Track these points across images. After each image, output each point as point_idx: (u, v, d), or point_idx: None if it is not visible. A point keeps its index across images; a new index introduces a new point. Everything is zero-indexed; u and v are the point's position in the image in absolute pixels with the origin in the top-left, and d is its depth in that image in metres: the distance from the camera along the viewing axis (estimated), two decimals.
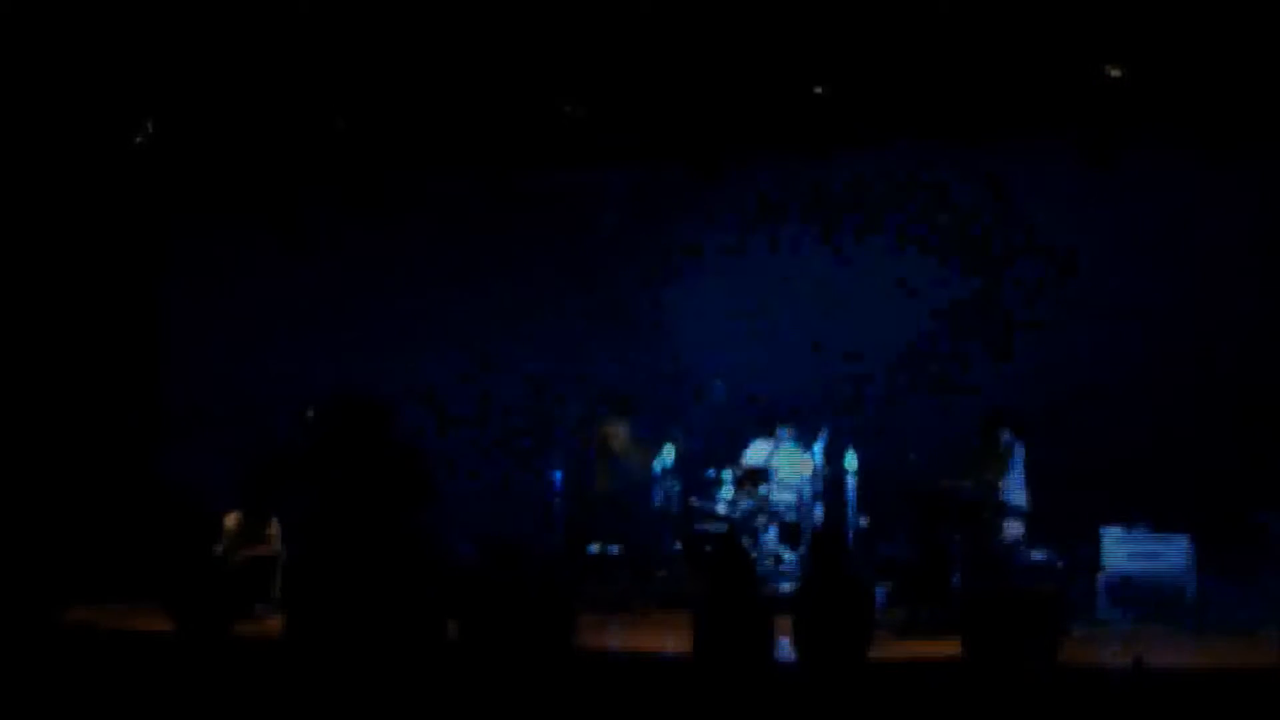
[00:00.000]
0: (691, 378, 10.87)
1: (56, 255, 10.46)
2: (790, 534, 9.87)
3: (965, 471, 9.16)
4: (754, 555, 9.44)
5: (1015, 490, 9.16)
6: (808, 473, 9.80)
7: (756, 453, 10.26)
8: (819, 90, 9.43)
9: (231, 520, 9.53)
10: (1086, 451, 9.68)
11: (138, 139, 9.95)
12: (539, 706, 7.03)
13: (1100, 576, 8.76)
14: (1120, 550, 8.81)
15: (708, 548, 9.70)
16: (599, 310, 11.22)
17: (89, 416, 10.50)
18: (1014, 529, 9.05)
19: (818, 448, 9.77)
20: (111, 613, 8.38)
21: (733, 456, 10.21)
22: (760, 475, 9.98)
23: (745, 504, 9.90)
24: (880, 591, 8.66)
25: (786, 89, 9.52)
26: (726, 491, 9.95)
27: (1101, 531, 8.86)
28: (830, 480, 9.69)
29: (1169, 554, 8.75)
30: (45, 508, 9.68)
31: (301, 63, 9.32)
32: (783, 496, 10.00)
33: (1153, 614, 8.57)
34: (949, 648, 7.71)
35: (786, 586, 9.18)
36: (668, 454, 9.92)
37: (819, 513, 9.77)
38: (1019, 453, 9.22)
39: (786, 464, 10.09)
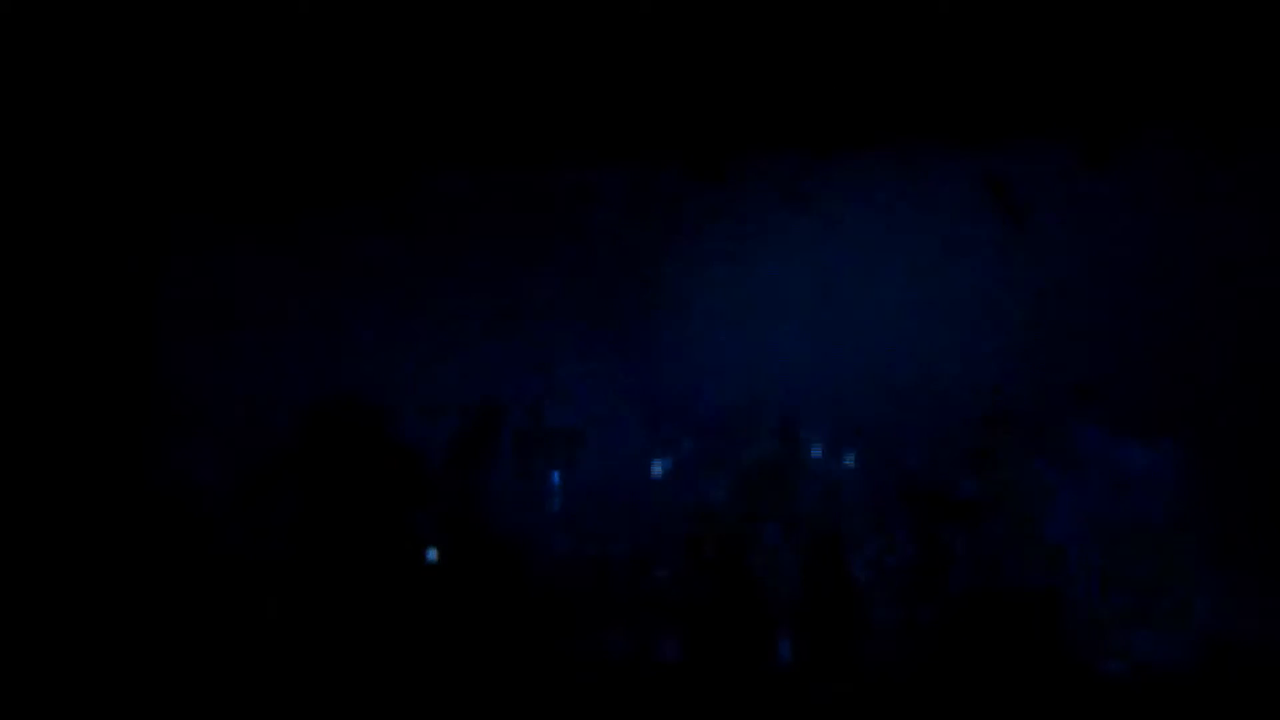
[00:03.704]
0: (692, 378, 10.87)
1: (54, 254, 10.45)
2: (790, 534, 9.87)
3: (967, 472, 9.17)
4: (754, 555, 9.44)
5: (1018, 492, 9.17)
6: (808, 473, 9.81)
7: (756, 452, 10.25)
8: (819, 90, 9.42)
9: None
10: (1088, 451, 9.69)
11: (138, 138, 9.95)
12: (539, 706, 7.04)
13: (1100, 576, 8.76)
14: (1116, 548, 8.82)
15: (708, 548, 9.69)
16: (599, 310, 11.22)
17: (85, 416, 10.49)
18: (1015, 530, 9.06)
19: (818, 448, 9.77)
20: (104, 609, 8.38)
21: (733, 457, 10.21)
22: (759, 475, 9.98)
23: (745, 504, 9.90)
24: (879, 592, 8.66)
25: (786, 89, 9.51)
26: (726, 491, 9.95)
27: (1100, 530, 8.87)
28: (830, 480, 9.70)
29: (1169, 552, 8.76)
30: (40, 506, 9.68)
31: (301, 62, 9.32)
32: (783, 497, 10.00)
33: (1153, 614, 8.58)
34: (949, 648, 7.73)
35: (786, 587, 9.18)
36: (667, 455, 9.93)
37: (819, 513, 9.77)
38: (1021, 457, 9.23)
39: (787, 464, 10.08)
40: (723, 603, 8.18)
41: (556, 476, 10.08)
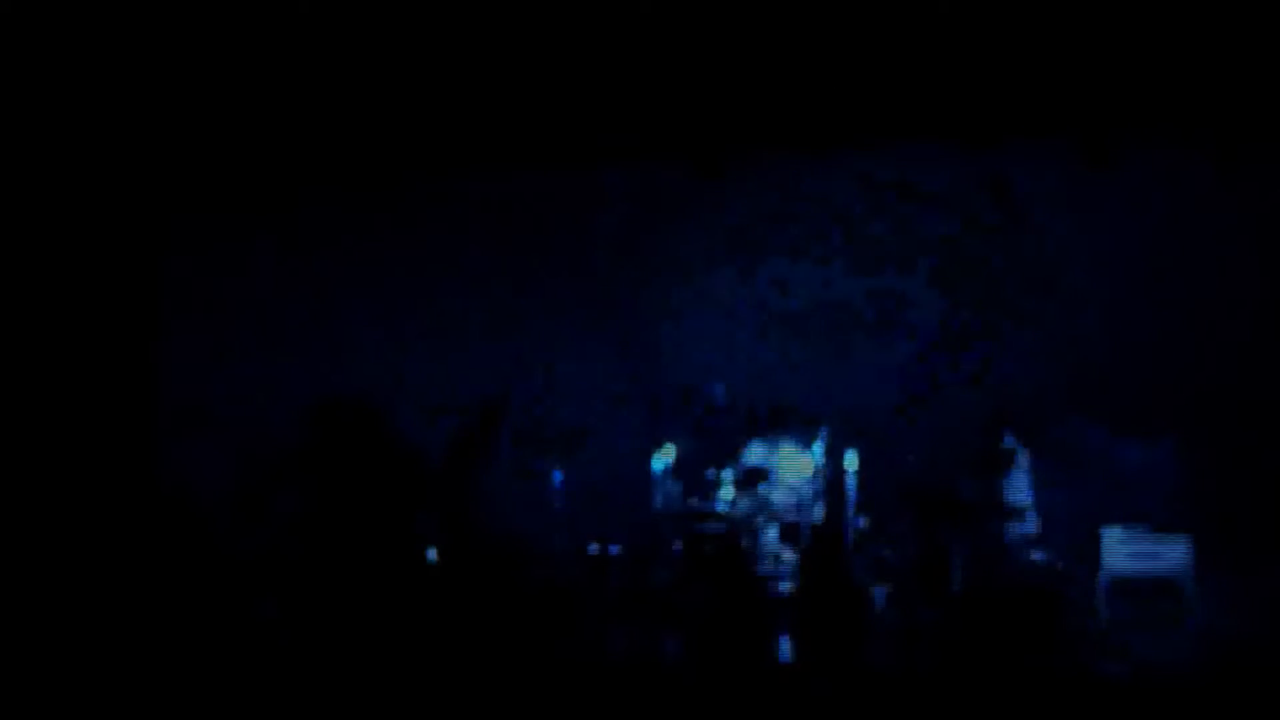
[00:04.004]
0: (692, 378, 10.86)
1: (56, 254, 10.46)
2: (790, 534, 9.86)
3: (967, 472, 9.17)
4: (754, 555, 9.44)
5: (1018, 492, 9.18)
6: (808, 473, 9.80)
7: (756, 453, 10.26)
8: (820, 90, 9.43)
9: None
10: (1087, 451, 9.69)
11: (138, 138, 9.96)
12: (539, 706, 7.04)
13: (1100, 576, 8.77)
14: (1120, 550, 8.81)
15: (708, 548, 9.69)
16: (599, 310, 11.21)
17: (88, 417, 10.50)
18: (1015, 530, 9.07)
19: (818, 448, 9.77)
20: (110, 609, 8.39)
21: (733, 457, 10.21)
22: (760, 475, 9.98)
23: (745, 504, 9.90)
24: (879, 592, 8.66)
25: (788, 89, 9.52)
26: (726, 491, 9.94)
27: (1101, 531, 8.87)
28: (830, 480, 9.69)
29: (1169, 554, 8.75)
30: (45, 506, 9.69)
31: (302, 62, 9.33)
32: (783, 496, 10.00)
33: (1153, 614, 8.58)
34: (949, 648, 7.73)
35: (786, 587, 9.17)
36: (668, 454, 9.92)
37: (819, 513, 9.76)
38: (1022, 457, 9.24)
39: (786, 464, 10.09)
40: (723, 603, 8.18)
41: (557, 476, 10.07)
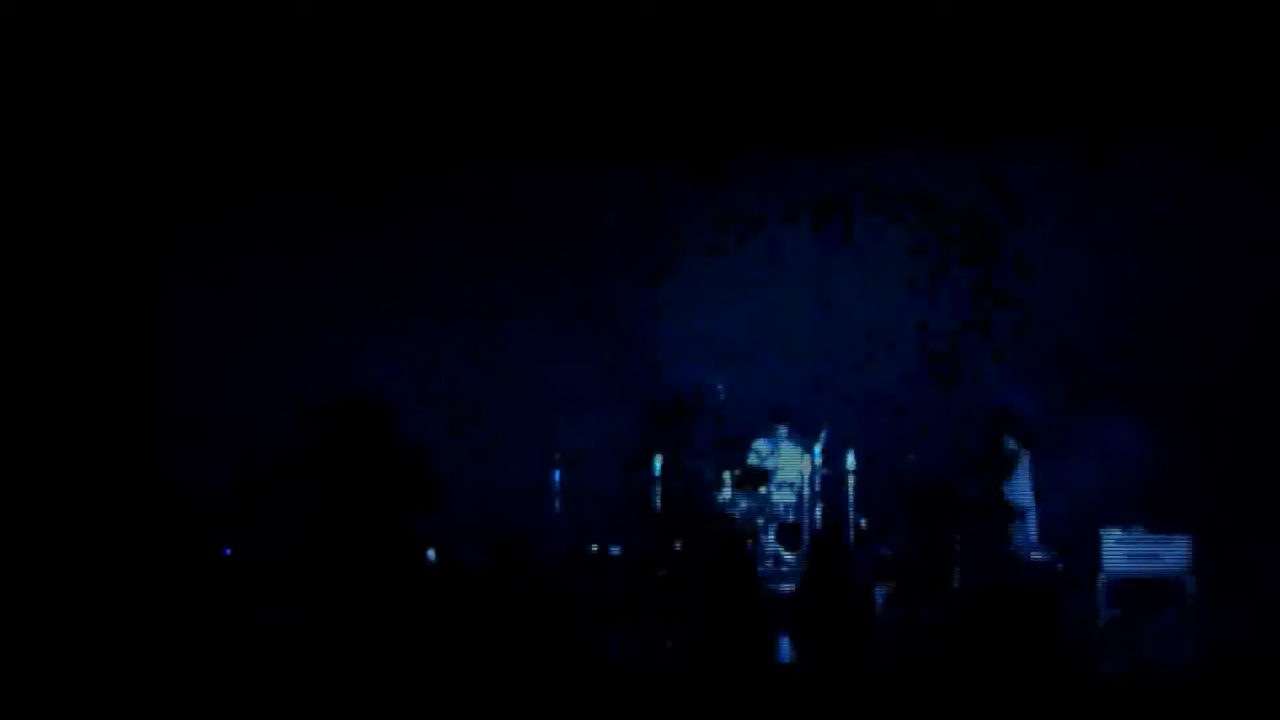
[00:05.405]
0: (691, 378, 10.87)
1: (58, 257, 10.46)
2: (790, 534, 9.88)
3: (968, 473, 9.19)
4: (754, 555, 9.45)
5: (1019, 493, 9.20)
6: (808, 472, 9.82)
7: (756, 453, 10.27)
8: (820, 91, 9.44)
9: None
10: (1088, 451, 9.70)
11: (139, 135, 9.97)
12: (539, 706, 7.04)
13: (1100, 576, 8.77)
14: (1120, 550, 8.82)
15: (708, 548, 9.70)
16: (598, 310, 11.21)
17: (93, 421, 10.51)
18: (1016, 530, 9.08)
19: (818, 448, 9.78)
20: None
21: (733, 457, 10.22)
22: (760, 475, 9.99)
23: (745, 504, 9.92)
24: (879, 592, 8.67)
25: (786, 90, 9.52)
26: (726, 491, 9.95)
27: (1101, 532, 8.88)
28: (830, 480, 9.71)
29: (1169, 554, 8.76)
30: (50, 510, 9.70)
31: (302, 63, 9.33)
32: (782, 497, 10.02)
33: (1153, 614, 8.59)
34: (949, 648, 7.73)
35: (786, 587, 9.19)
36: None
37: (819, 513, 9.78)
38: (1024, 458, 9.26)
39: (786, 464, 10.10)
40: (723, 603, 8.18)
41: (557, 476, 10.08)
